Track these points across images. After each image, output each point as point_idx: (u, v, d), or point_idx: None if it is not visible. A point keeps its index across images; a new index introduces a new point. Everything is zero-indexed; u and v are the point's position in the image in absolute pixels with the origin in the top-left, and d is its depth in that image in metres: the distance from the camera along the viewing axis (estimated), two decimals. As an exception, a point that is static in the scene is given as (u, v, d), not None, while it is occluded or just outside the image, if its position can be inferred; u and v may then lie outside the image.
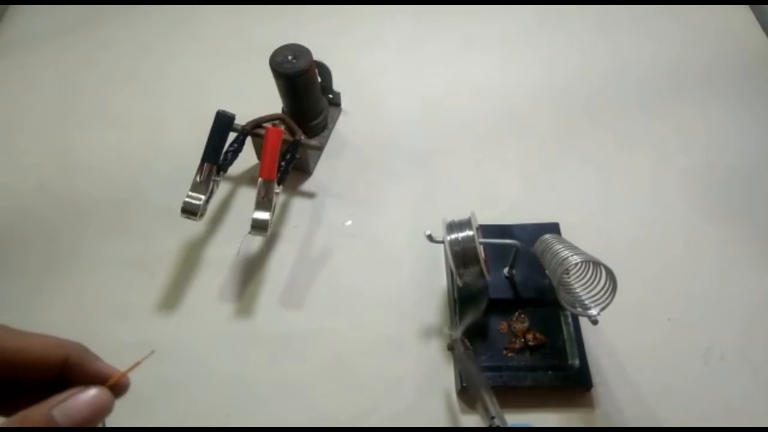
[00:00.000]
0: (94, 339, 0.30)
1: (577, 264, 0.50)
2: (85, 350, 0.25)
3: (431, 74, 0.83)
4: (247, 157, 0.69)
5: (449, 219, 0.56)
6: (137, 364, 0.28)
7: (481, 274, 0.55)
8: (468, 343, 0.53)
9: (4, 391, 0.24)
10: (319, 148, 0.70)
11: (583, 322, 0.57)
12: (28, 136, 0.78)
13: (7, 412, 0.23)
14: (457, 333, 0.54)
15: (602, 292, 0.49)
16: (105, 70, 0.85)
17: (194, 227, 0.66)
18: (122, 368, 0.28)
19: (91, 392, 0.24)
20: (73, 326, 0.60)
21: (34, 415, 0.22)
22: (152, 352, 0.30)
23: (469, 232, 0.54)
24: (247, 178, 0.72)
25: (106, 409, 0.24)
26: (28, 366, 0.24)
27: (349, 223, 0.68)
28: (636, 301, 0.60)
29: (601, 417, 0.54)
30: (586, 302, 0.51)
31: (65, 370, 0.25)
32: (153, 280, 0.64)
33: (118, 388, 0.26)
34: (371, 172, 0.73)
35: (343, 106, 0.77)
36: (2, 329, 0.24)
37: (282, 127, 0.64)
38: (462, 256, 0.54)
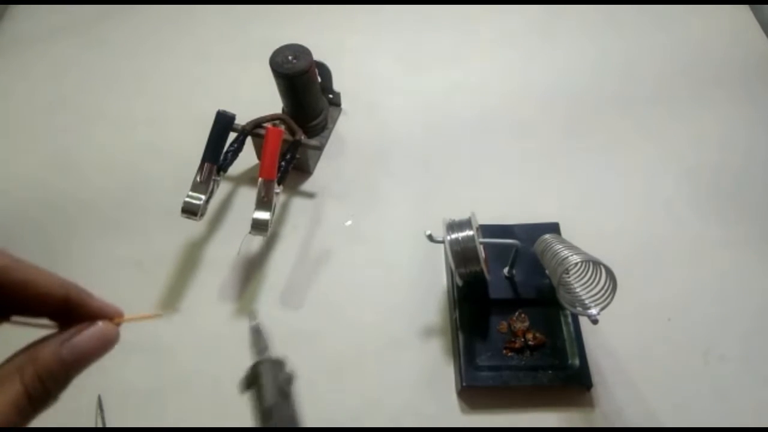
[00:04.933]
0: (95, 339, 0.30)
1: (577, 264, 0.50)
2: (82, 289, 0.27)
3: (431, 74, 0.83)
4: (247, 157, 0.69)
5: (449, 219, 0.56)
6: (145, 317, 0.30)
7: (482, 274, 0.55)
8: (262, 332, 0.36)
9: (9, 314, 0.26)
10: (319, 148, 0.70)
11: (583, 321, 0.57)
12: (28, 136, 0.78)
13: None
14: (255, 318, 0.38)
15: (602, 291, 0.50)
16: (105, 70, 0.85)
17: (194, 227, 0.66)
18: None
19: (98, 326, 0.26)
20: (73, 326, 0.60)
21: (44, 354, 0.24)
22: (160, 315, 0.31)
23: (469, 232, 0.54)
24: (247, 178, 0.72)
25: (113, 342, 0.26)
26: (31, 299, 0.25)
27: (349, 223, 0.68)
28: (636, 301, 0.60)
29: (601, 417, 0.55)
30: (586, 302, 0.51)
31: (66, 307, 0.26)
32: (153, 280, 0.64)
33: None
34: (371, 172, 0.73)
35: (343, 106, 0.77)
36: (8, 258, 0.25)
37: (282, 127, 0.64)
38: (462, 256, 0.54)
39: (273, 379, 0.32)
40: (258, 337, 0.35)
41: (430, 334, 0.60)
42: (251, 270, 0.65)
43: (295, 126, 0.66)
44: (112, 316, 0.27)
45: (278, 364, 0.33)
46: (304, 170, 0.72)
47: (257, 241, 0.66)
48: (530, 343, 0.56)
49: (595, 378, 0.55)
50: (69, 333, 0.25)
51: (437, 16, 0.90)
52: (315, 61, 0.66)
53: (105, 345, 0.26)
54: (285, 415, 0.32)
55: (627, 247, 0.64)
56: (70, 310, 0.26)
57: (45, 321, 0.26)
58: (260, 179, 0.60)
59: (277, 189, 0.61)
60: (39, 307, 0.25)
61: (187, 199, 0.60)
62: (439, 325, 0.60)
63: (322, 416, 0.55)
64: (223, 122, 0.63)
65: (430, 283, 0.63)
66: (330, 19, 0.90)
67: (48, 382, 0.23)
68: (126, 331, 0.64)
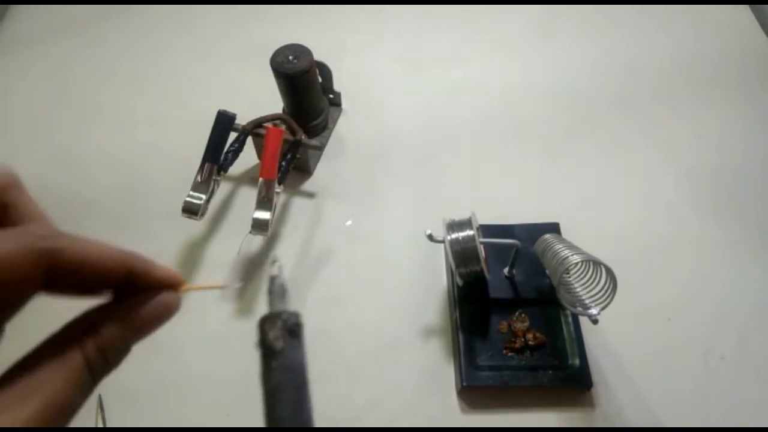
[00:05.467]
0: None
1: (577, 264, 0.50)
2: (144, 259, 0.25)
3: (432, 74, 0.83)
4: (248, 157, 0.69)
5: (449, 219, 0.56)
6: (208, 287, 0.31)
7: (482, 274, 0.55)
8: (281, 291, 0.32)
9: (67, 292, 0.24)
10: (320, 148, 0.70)
11: (584, 321, 0.57)
12: (28, 136, 0.78)
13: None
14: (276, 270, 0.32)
15: (602, 291, 0.50)
16: (105, 70, 0.85)
17: (195, 227, 0.66)
18: None
19: (162, 296, 0.25)
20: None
21: (106, 327, 0.23)
22: (223, 287, 0.30)
23: (469, 232, 0.54)
24: (248, 178, 0.72)
25: (174, 311, 0.25)
26: (91, 279, 0.23)
27: (350, 223, 0.68)
28: (636, 301, 0.60)
29: (601, 417, 0.55)
30: (587, 302, 0.51)
31: (128, 281, 0.24)
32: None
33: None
34: (371, 172, 0.73)
35: (343, 106, 0.77)
36: (66, 239, 0.22)
37: (283, 127, 0.64)
38: (462, 256, 0.54)
39: (268, 335, 0.29)
40: (270, 289, 0.32)
41: (430, 334, 0.60)
42: (251, 270, 0.65)
43: (295, 126, 0.66)
44: (175, 284, 0.26)
45: (273, 318, 0.29)
46: (304, 170, 0.72)
47: (257, 241, 0.66)
48: (530, 343, 0.56)
49: (596, 378, 0.55)
50: (131, 303, 0.24)
51: (437, 16, 0.90)
52: (315, 61, 0.66)
53: (167, 315, 0.25)
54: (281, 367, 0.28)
55: (627, 247, 0.65)
56: (131, 282, 0.24)
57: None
58: (261, 179, 0.60)
59: (278, 189, 0.61)
60: (99, 284, 0.24)
61: (188, 199, 0.60)
62: (439, 325, 0.60)
63: (322, 416, 0.55)
64: (224, 122, 0.63)
65: (430, 283, 0.63)
66: (330, 19, 0.90)
67: (109, 355, 0.23)
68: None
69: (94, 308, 0.24)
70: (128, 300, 0.24)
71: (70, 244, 0.22)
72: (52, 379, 0.20)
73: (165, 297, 0.25)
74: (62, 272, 0.22)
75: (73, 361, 0.21)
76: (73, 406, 0.21)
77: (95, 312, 0.24)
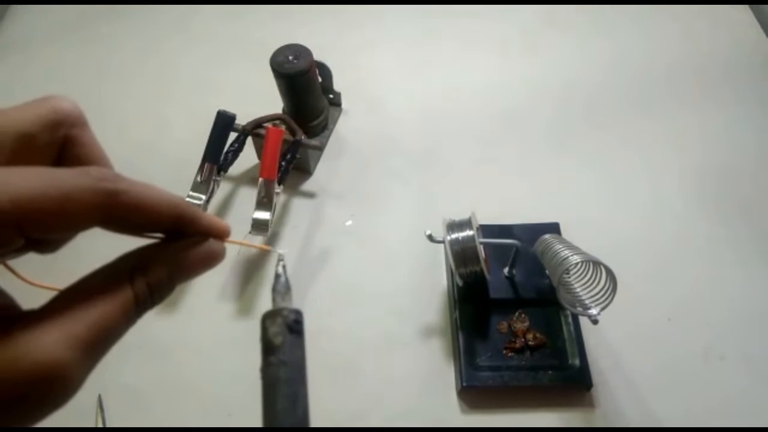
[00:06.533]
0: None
1: (577, 264, 0.50)
2: (193, 207, 0.26)
3: (432, 74, 0.83)
4: (248, 157, 0.69)
5: (449, 219, 0.56)
6: (252, 245, 0.32)
7: (482, 274, 0.55)
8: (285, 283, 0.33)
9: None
10: (320, 148, 0.70)
11: (584, 321, 0.57)
12: (29, 136, 0.78)
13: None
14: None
15: (602, 291, 0.50)
16: (105, 70, 0.85)
17: (194, 227, 0.66)
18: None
19: (208, 243, 0.26)
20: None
21: (155, 265, 0.24)
22: (268, 249, 0.32)
23: (469, 232, 0.54)
24: (248, 178, 0.72)
25: (219, 260, 0.27)
26: (142, 223, 0.24)
27: (350, 223, 0.68)
28: (636, 301, 0.60)
29: (601, 417, 0.55)
30: (587, 302, 0.51)
31: (176, 226, 0.26)
32: (153, 280, 0.64)
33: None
34: (371, 172, 0.73)
35: (343, 106, 0.77)
36: (126, 182, 0.24)
37: (282, 127, 0.64)
38: (462, 256, 0.54)
39: (269, 331, 0.29)
40: (274, 286, 0.33)
41: (430, 334, 0.60)
42: (251, 270, 0.65)
43: (295, 126, 0.66)
44: (221, 233, 0.27)
45: (274, 314, 0.30)
46: (304, 170, 0.72)
47: (257, 242, 0.66)
48: (530, 343, 0.56)
49: (596, 378, 0.55)
50: (179, 246, 0.25)
51: (438, 16, 0.90)
52: (315, 61, 0.66)
53: (212, 261, 0.26)
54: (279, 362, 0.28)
55: (627, 248, 0.64)
56: (179, 228, 0.26)
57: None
58: (260, 179, 0.60)
59: (278, 189, 0.61)
60: (151, 226, 0.25)
61: (188, 200, 0.60)
62: (439, 325, 0.60)
63: (322, 416, 0.55)
64: (224, 122, 0.63)
65: (430, 283, 0.63)
66: (330, 19, 0.90)
67: (155, 292, 0.24)
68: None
69: (145, 246, 0.25)
70: (177, 243, 0.26)
71: (128, 188, 0.24)
72: (105, 304, 0.22)
73: (211, 244, 0.26)
74: (118, 213, 0.23)
75: (124, 291, 0.23)
76: (118, 332, 0.23)
77: (146, 250, 0.25)
